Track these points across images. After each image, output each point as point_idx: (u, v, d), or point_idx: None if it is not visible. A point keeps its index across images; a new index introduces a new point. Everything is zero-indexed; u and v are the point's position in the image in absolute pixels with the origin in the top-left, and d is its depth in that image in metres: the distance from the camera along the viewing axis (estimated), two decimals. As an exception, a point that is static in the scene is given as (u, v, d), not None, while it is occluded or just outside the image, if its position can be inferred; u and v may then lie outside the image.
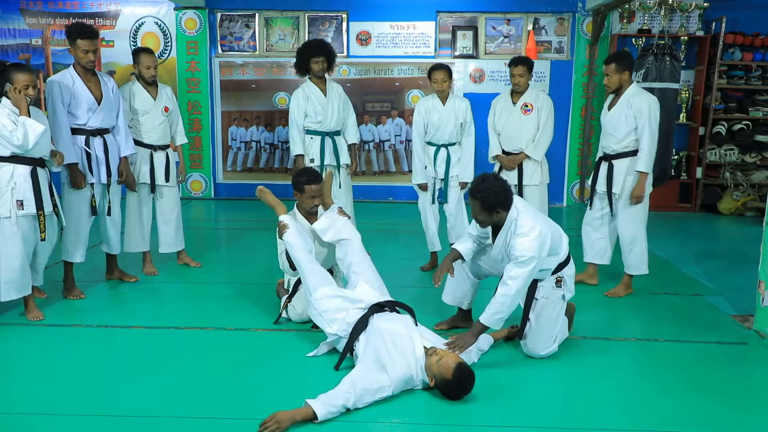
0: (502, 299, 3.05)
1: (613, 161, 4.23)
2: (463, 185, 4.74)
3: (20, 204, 3.55)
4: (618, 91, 4.21)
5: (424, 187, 4.77)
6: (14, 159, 3.53)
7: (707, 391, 2.99)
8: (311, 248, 3.57)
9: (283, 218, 3.62)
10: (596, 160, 4.45)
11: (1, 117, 3.46)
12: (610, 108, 4.26)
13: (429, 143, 4.72)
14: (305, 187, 3.64)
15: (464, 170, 4.72)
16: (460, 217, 4.81)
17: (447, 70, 4.61)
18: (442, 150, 4.69)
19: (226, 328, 3.68)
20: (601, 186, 4.30)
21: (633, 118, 4.11)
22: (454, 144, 4.71)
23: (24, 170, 3.56)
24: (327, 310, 3.24)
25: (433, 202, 4.81)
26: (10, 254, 3.57)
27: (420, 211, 4.89)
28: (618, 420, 2.71)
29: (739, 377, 3.16)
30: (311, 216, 3.77)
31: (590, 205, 4.44)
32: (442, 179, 4.75)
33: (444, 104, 4.64)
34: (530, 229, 3.03)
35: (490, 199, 3.04)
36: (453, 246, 3.50)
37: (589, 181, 4.46)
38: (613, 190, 4.22)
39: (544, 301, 3.24)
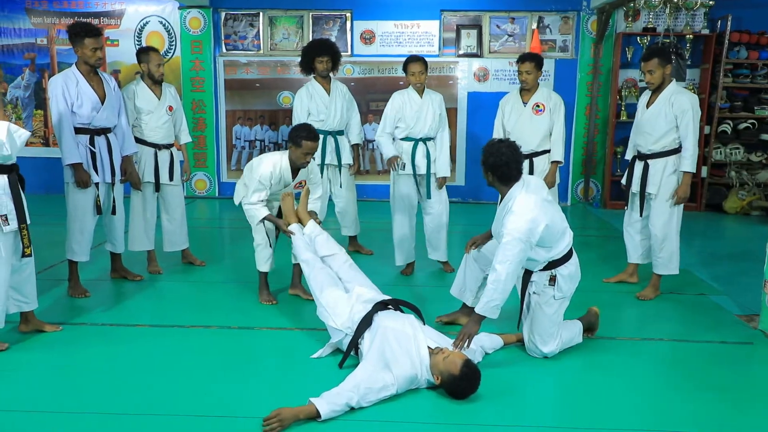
0: (493, 286, 3.01)
1: (649, 161, 4.15)
2: (441, 181, 4.61)
3: (5, 219, 3.11)
4: (658, 89, 4.10)
5: (395, 161, 4.47)
6: None
7: (712, 390, 2.98)
8: (315, 252, 3.64)
9: (293, 228, 3.77)
10: (630, 159, 4.37)
11: None
12: (648, 106, 4.15)
13: (406, 138, 4.56)
14: (303, 142, 3.70)
15: (441, 165, 4.60)
16: (444, 217, 4.64)
17: (423, 62, 4.50)
18: (420, 145, 4.54)
19: (230, 326, 3.68)
20: (636, 186, 4.23)
21: (674, 117, 4.01)
22: (431, 139, 4.58)
23: (2, 181, 3.12)
24: (333, 305, 3.25)
25: (428, 196, 4.59)
26: None
27: (393, 210, 4.64)
28: (622, 419, 2.70)
29: (744, 377, 3.15)
30: (295, 171, 3.91)
31: (628, 206, 4.40)
32: (421, 175, 4.59)
33: (421, 97, 4.54)
34: (525, 210, 2.97)
35: (483, 157, 3.09)
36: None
37: (623, 181, 4.41)
38: (648, 190, 4.14)
39: (536, 297, 3.22)
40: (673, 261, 4.22)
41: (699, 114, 4.07)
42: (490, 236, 3.47)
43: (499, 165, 3.04)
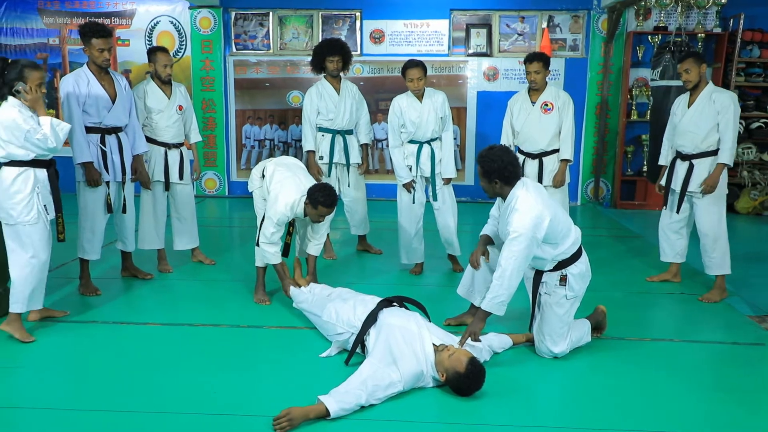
0: (498, 282, 3.02)
1: (694, 161, 4.19)
2: (446, 181, 4.61)
3: (45, 209, 3.40)
4: (695, 89, 4.19)
5: (410, 187, 4.57)
6: (32, 163, 3.33)
7: (723, 392, 2.96)
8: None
9: (293, 290, 3.79)
10: (664, 163, 4.44)
11: (23, 121, 3.23)
12: (689, 106, 4.22)
13: (410, 141, 4.56)
14: (319, 206, 3.67)
15: (446, 166, 4.59)
16: (450, 214, 4.63)
17: (422, 67, 4.44)
18: (425, 147, 4.54)
19: (239, 325, 3.70)
20: (678, 185, 4.27)
21: (716, 114, 4.08)
22: (436, 139, 4.58)
23: (42, 174, 3.39)
24: (336, 315, 3.28)
25: (418, 201, 4.63)
26: (43, 264, 3.42)
27: (400, 213, 4.66)
28: (630, 420, 2.69)
29: (755, 378, 3.11)
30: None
31: (666, 206, 4.42)
32: (427, 177, 4.60)
33: (421, 101, 4.50)
34: (528, 207, 2.99)
35: (487, 166, 3.07)
36: (481, 234, 3.46)
37: (662, 182, 4.44)
38: (691, 189, 4.19)
39: (547, 297, 3.21)
40: (726, 260, 4.22)
41: (739, 111, 4.16)
42: (486, 242, 3.44)
43: (503, 167, 3.06)
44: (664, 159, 4.49)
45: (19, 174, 3.31)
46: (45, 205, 3.40)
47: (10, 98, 3.30)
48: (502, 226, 3.17)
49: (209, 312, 3.90)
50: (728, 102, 4.08)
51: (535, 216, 2.97)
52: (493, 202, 3.50)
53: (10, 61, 3.36)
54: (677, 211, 4.30)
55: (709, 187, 4.12)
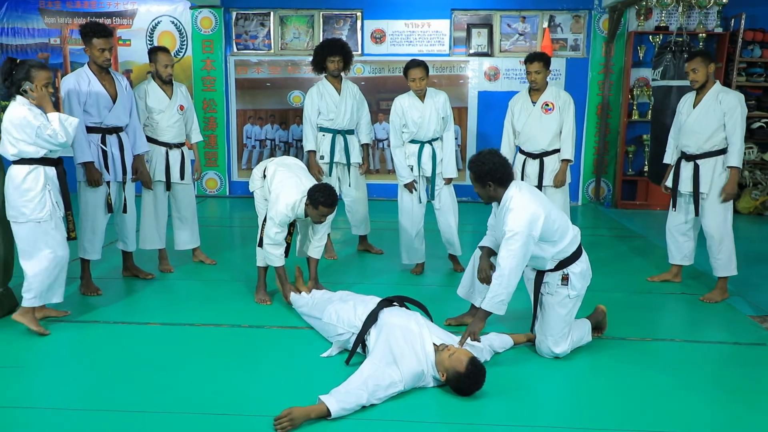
0: (497, 281, 3.04)
1: (699, 161, 4.15)
2: (447, 181, 4.62)
3: (57, 206, 3.45)
4: (701, 88, 4.16)
5: (411, 187, 4.58)
6: (42, 160, 3.37)
7: (724, 391, 2.95)
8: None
9: (291, 296, 3.85)
10: (670, 162, 4.41)
11: (33, 118, 3.28)
12: (694, 106, 4.18)
13: (412, 141, 4.57)
14: (320, 206, 3.67)
15: (447, 166, 4.60)
16: (451, 214, 4.63)
17: (424, 67, 4.46)
18: (427, 147, 4.55)
19: (240, 325, 3.70)
20: (686, 187, 4.23)
21: (722, 115, 4.05)
22: (437, 139, 4.59)
23: (52, 172, 3.44)
24: (336, 316, 3.29)
25: (420, 201, 4.65)
26: (60, 259, 3.48)
27: (401, 213, 4.66)
28: (631, 420, 2.69)
29: (756, 378, 3.11)
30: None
31: (673, 207, 4.38)
32: (428, 177, 4.61)
33: (423, 101, 4.51)
34: (523, 205, 3.01)
35: (478, 170, 3.10)
36: (480, 245, 3.44)
37: (668, 183, 4.41)
38: (701, 190, 4.15)
39: (549, 298, 3.21)
40: (732, 261, 4.18)
41: (746, 112, 4.11)
42: (489, 254, 3.39)
43: (495, 168, 3.08)
44: (669, 158, 4.46)
45: (29, 172, 3.35)
46: (57, 202, 3.44)
47: (19, 97, 3.35)
48: (499, 229, 3.17)
49: (210, 312, 3.90)
50: (735, 103, 4.04)
51: (530, 213, 2.99)
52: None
53: (18, 61, 3.40)
54: (696, 214, 4.24)
55: (729, 195, 4.09)
